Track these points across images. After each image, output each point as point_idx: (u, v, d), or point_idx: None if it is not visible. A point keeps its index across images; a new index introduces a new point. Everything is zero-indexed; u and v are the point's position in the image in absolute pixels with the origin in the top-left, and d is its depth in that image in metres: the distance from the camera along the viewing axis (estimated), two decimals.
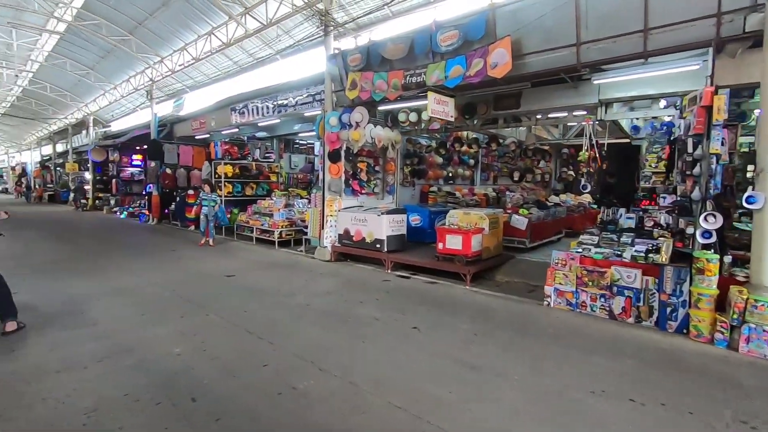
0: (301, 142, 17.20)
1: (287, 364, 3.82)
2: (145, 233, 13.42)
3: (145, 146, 17.72)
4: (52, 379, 3.47)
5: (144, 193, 19.37)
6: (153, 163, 16.53)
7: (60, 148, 32.01)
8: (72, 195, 24.46)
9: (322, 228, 9.10)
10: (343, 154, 8.88)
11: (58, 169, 31.82)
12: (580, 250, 5.74)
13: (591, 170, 10.01)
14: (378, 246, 8.07)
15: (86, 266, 7.93)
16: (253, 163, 14.34)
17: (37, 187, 32.29)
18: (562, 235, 10.27)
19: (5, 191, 43.27)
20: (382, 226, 8.02)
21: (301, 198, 12.24)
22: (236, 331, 4.65)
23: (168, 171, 16.47)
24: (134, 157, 21.56)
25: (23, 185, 35.15)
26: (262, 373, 3.63)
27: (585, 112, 7.84)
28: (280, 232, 10.57)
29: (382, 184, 9.85)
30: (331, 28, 8.58)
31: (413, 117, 8.77)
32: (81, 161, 26.86)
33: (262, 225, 11.01)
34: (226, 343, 4.30)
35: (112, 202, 21.26)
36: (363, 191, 9.34)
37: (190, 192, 14.36)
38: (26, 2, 13.69)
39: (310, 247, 9.87)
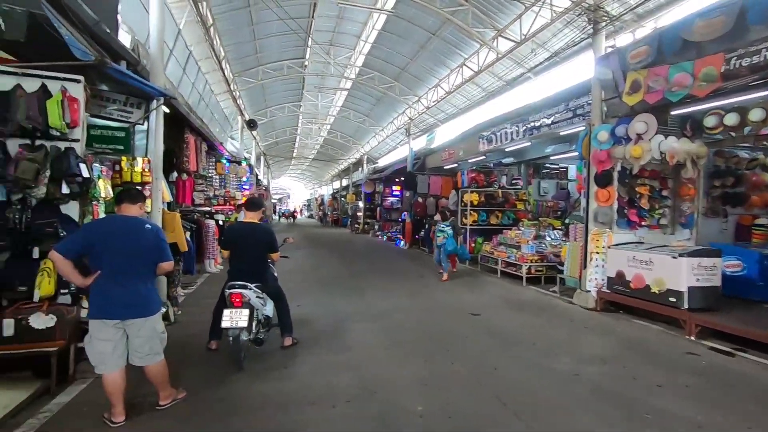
0: (551, 166, 15.54)
1: None
2: (399, 257, 14.54)
3: (402, 178, 19.76)
4: (304, 413, 3.42)
5: (400, 220, 21.58)
6: (408, 193, 18.12)
7: (344, 182, 40.19)
8: (349, 220, 29.80)
9: (584, 267, 7.40)
10: (615, 176, 7.04)
11: (342, 199, 40.02)
12: None
13: None
14: (672, 300, 5.82)
15: (352, 285, 8.81)
16: (499, 191, 13.65)
17: (329, 213, 41.20)
18: None
19: (311, 216, 57.50)
20: (680, 272, 5.76)
21: (554, 229, 10.67)
22: (485, 394, 3.79)
23: (419, 200, 17.70)
24: (394, 188, 24.52)
25: (321, 212, 45.73)
26: None
27: None
28: (529, 267, 9.35)
29: (672, 214, 7.36)
30: (603, 24, 7.04)
31: (731, 119, 6.13)
32: (357, 193, 32.73)
33: (508, 257, 10.06)
34: (473, 410, 3.49)
35: (376, 227, 24.67)
36: (643, 223, 7.16)
37: (436, 218, 14.86)
38: (326, 69, 17.59)
39: (565, 288, 8.25)
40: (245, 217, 4.74)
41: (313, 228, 32.26)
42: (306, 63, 17.35)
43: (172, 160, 10.29)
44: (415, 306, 7.11)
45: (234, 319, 4.07)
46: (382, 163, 28.34)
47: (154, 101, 5.85)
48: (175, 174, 10.62)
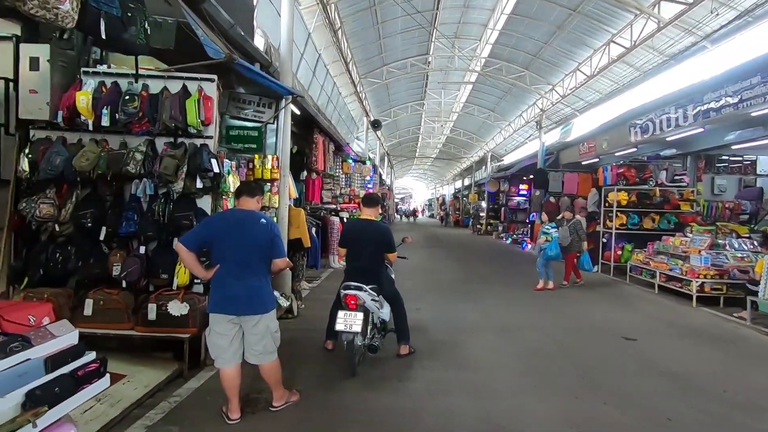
0: (732, 158, 12.43)
1: None
2: (526, 262, 13.21)
3: (531, 176, 18.11)
4: None
5: (527, 221, 19.88)
6: (537, 192, 16.50)
7: (467, 181, 39.06)
8: (471, 220, 28.75)
9: None
10: None
11: (464, 198, 38.95)
12: None
13: None
14: None
15: (473, 290, 8.12)
16: (656, 189, 11.35)
17: (451, 213, 40.46)
18: None
19: (432, 216, 57.50)
20: None
21: (739, 237, 8.37)
22: None
23: (551, 199, 15.96)
24: (521, 186, 22.73)
25: (443, 212, 45.28)
26: None
27: None
28: (701, 283, 7.43)
29: None
30: None
31: None
32: (480, 192, 31.40)
33: (670, 270, 8.19)
34: None
35: (500, 228, 23.19)
36: None
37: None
38: (450, 63, 17.02)
39: (760, 314, 6.28)
40: (362, 214, 4.49)
41: (433, 228, 31.97)
42: (429, 59, 17.04)
43: (303, 160, 10.90)
44: (550, 322, 6.13)
45: (348, 322, 3.82)
46: (508, 160, 26.61)
47: (283, 100, 6.03)
48: (305, 173, 11.24)
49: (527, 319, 6.26)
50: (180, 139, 4.07)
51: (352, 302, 3.90)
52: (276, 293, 5.83)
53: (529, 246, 16.52)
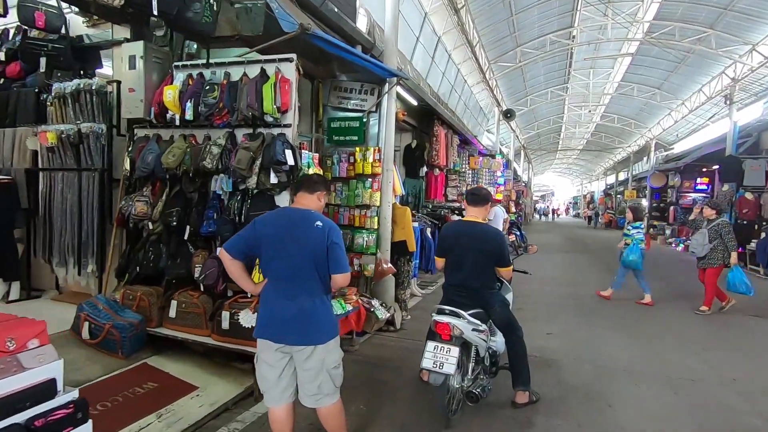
0: None
1: None
2: None
3: (715, 166, 14.15)
4: None
5: None
6: (726, 186, 12.76)
7: (621, 176, 33.44)
8: (626, 222, 24.34)
9: None
10: None
11: (617, 196, 33.43)
12: None
13: None
14: None
15: (627, 315, 6.26)
16: None
17: (601, 212, 35.13)
18: None
19: (577, 215, 51.31)
20: None
21: None
22: None
23: (748, 196, 12.15)
24: (698, 180, 18.16)
25: (590, 211, 39.85)
26: None
27: None
28: None
29: None
30: None
31: None
32: (639, 188, 26.47)
33: None
34: None
35: (668, 231, 18.95)
36: None
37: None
38: (601, 34, 14.26)
39: None
40: (467, 214, 3.47)
41: (577, 229, 28.09)
42: (574, 32, 14.55)
43: (423, 155, 10.18)
44: (746, 371, 4.17)
45: (438, 359, 2.88)
46: (680, 148, 21.66)
47: (386, 85, 5.34)
48: (424, 169, 10.51)
49: (709, 364, 4.38)
50: (258, 130, 3.67)
51: (446, 332, 2.94)
52: (375, 302, 5.21)
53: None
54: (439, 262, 3.47)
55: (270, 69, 3.61)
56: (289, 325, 2.35)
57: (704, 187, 17.76)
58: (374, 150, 5.30)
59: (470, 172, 14.42)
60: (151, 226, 3.91)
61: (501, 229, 13.05)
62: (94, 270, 4.18)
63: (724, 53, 13.40)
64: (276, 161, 3.38)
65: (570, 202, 62.16)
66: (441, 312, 3.05)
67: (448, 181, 13.24)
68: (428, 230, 7.65)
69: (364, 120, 5.42)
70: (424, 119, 9.97)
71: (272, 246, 2.42)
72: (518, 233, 13.74)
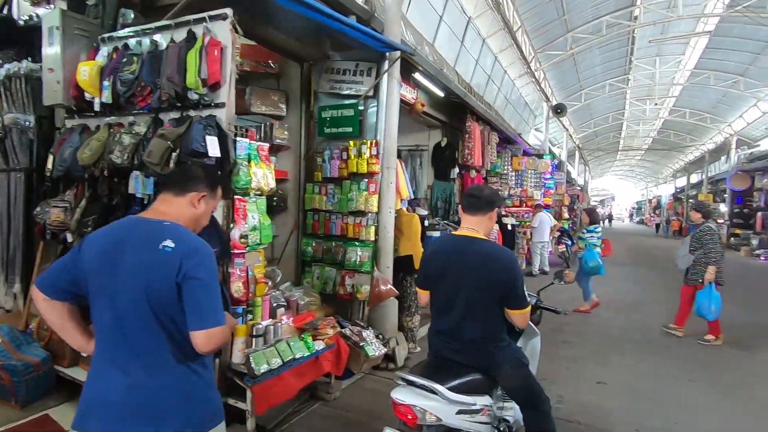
0: None
1: None
2: None
3: None
4: None
5: None
6: None
7: (695, 178, 29.79)
8: None
9: None
10: None
11: (690, 200, 29.75)
12: None
13: None
14: None
15: (713, 359, 4.70)
16: None
17: (672, 219, 31.36)
18: None
19: (641, 222, 46.92)
20: None
21: None
22: None
23: None
24: None
25: (657, 217, 36.00)
26: None
27: None
28: None
29: None
30: None
31: None
32: (717, 191, 23.25)
33: None
34: None
35: (754, 242, 16.19)
36: None
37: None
38: (670, 12, 12.22)
39: None
40: (461, 224, 2.33)
41: (642, 237, 25.22)
42: (635, 12, 12.63)
43: (454, 154, 9.04)
44: None
45: None
46: (766, 146, 18.61)
47: (386, 62, 4.31)
48: (456, 170, 9.35)
49: None
50: (188, 113, 2.77)
51: (409, 417, 1.83)
52: (368, 333, 4.14)
53: None
54: (423, 296, 2.36)
55: (200, 31, 2.71)
56: (124, 410, 1.39)
57: None
58: (371, 143, 4.28)
59: (513, 173, 12.95)
60: (69, 238, 3.13)
61: (547, 239, 11.51)
62: (20, 290, 3.50)
63: None
64: (191, 151, 2.45)
65: (633, 208, 57.29)
66: (406, 383, 1.94)
67: (489, 185, 11.96)
68: None
69: (360, 107, 4.42)
70: (456, 114, 8.80)
71: (94, 280, 1.47)
72: (569, 243, 12.06)
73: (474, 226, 2.20)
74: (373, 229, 4.25)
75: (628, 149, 33.53)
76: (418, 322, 4.77)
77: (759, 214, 16.58)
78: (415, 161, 9.10)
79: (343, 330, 3.69)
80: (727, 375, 4.23)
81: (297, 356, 2.95)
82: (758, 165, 16.62)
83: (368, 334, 3.97)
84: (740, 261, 14.30)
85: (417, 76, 6.38)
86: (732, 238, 18.01)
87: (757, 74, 15.75)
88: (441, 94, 7.54)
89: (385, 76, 4.30)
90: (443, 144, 8.96)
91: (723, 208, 20.58)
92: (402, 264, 4.63)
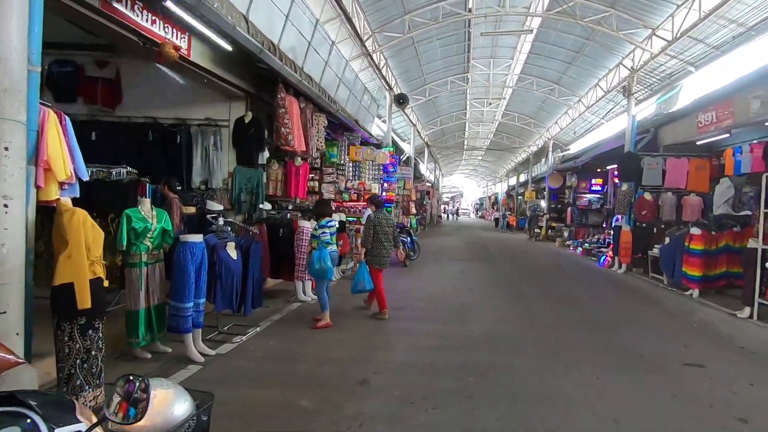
0: None
1: None
2: (615, 291, 8.62)
3: (613, 165, 13.17)
4: None
5: (605, 225, 14.96)
6: (625, 186, 11.60)
7: (522, 177, 33.58)
8: (527, 223, 23.85)
9: None
10: None
11: (518, 197, 33.42)
12: None
13: None
14: None
15: (538, 368, 3.78)
16: None
17: (508, 215, 34.49)
18: None
19: (482, 217, 52.08)
20: None
21: None
22: None
23: (646, 196, 11.08)
24: (593, 180, 17.53)
25: (494, 212, 39.98)
26: None
27: None
28: None
29: None
30: None
31: None
32: (539, 189, 26.19)
33: None
34: None
35: (566, 233, 18.17)
36: None
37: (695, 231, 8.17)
38: (501, 5, 12.33)
39: None
40: None
41: (480, 231, 27.15)
42: (470, 2, 12.49)
43: (262, 134, 7.17)
44: None
45: None
46: (576, 148, 21.33)
47: None
48: (266, 154, 7.54)
49: None
50: None
51: None
52: None
53: (612, 261, 11.71)
54: None
55: None
56: None
57: (599, 188, 17.16)
58: None
59: (351, 164, 11.72)
60: None
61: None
62: None
63: (624, 37, 12.25)
64: None
65: (476, 204, 63.57)
66: None
67: (323, 175, 10.44)
68: (233, 249, 4.73)
69: None
70: (266, 85, 6.94)
71: None
72: (406, 239, 11.34)
73: None
74: None
75: (472, 149, 36.30)
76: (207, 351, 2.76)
77: (569, 209, 18.69)
78: (207, 140, 6.95)
79: None
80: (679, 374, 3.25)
81: None
82: (568, 165, 18.72)
83: None
84: (556, 251, 15.70)
85: (169, 4, 4.40)
86: (549, 231, 20.12)
87: (568, 83, 17.62)
88: (228, 47, 5.61)
89: None
90: (247, 120, 7.04)
91: (543, 203, 23.09)
92: (59, 300, 2.57)
